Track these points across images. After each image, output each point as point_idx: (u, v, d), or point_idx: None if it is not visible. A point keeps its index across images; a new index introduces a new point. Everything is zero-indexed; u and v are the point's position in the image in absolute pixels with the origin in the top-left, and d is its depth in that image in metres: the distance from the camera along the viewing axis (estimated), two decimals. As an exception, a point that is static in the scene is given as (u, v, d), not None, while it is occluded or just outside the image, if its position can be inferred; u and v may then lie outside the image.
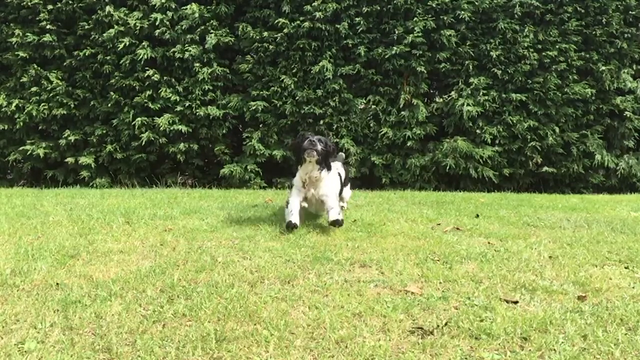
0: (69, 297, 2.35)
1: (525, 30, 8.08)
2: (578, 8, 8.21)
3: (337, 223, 3.85)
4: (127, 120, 8.01)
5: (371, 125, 8.06)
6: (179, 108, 8.00)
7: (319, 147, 3.97)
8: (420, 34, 7.87)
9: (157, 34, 8.05)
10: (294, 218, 3.91)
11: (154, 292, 2.45)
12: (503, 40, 8.10)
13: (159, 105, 8.05)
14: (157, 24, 8.04)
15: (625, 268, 2.98)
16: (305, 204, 4.24)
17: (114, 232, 3.80)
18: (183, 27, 8.05)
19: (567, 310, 2.24)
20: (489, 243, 3.59)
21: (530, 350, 1.88)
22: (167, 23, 8.08)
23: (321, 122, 8.01)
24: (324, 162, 4.08)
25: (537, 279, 2.69)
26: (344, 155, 5.17)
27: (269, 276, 2.71)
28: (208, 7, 8.14)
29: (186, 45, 8.04)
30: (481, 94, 7.98)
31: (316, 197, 4.12)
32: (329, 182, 4.20)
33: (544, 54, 8.07)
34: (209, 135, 8.15)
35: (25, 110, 8.11)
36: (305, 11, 7.94)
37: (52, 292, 2.43)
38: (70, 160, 8.15)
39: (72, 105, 8.20)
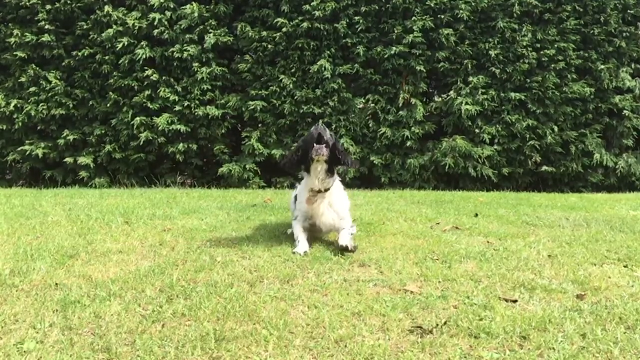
0: (68, 297, 2.34)
1: (524, 29, 8.09)
2: (576, 7, 8.22)
3: (346, 250, 3.22)
4: (126, 120, 8.01)
5: (370, 124, 8.06)
6: (177, 108, 7.99)
7: (329, 139, 3.39)
8: (419, 34, 7.87)
9: (155, 34, 8.05)
10: (304, 245, 3.37)
11: (153, 291, 2.45)
12: (502, 39, 8.11)
13: (157, 105, 8.05)
14: (155, 23, 8.03)
15: (624, 267, 2.98)
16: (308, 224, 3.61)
17: (112, 232, 3.80)
18: (182, 27, 8.05)
19: (566, 309, 2.24)
20: (488, 242, 3.59)
21: (529, 349, 1.88)
22: (166, 23, 8.08)
23: (320, 121, 8.01)
24: (333, 166, 3.48)
25: (536, 278, 2.69)
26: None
27: (268, 276, 2.71)
28: (207, 6, 8.14)
29: (185, 44, 8.04)
30: (480, 93, 7.98)
31: (323, 220, 3.52)
32: (340, 196, 3.62)
33: (542, 52, 8.08)
34: (208, 135, 8.14)
35: (24, 110, 8.10)
36: (304, 10, 7.93)
37: (51, 292, 2.43)
38: (69, 160, 8.14)
39: (71, 105, 8.19)
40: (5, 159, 8.33)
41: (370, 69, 8.07)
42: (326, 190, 3.50)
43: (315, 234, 3.62)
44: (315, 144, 3.34)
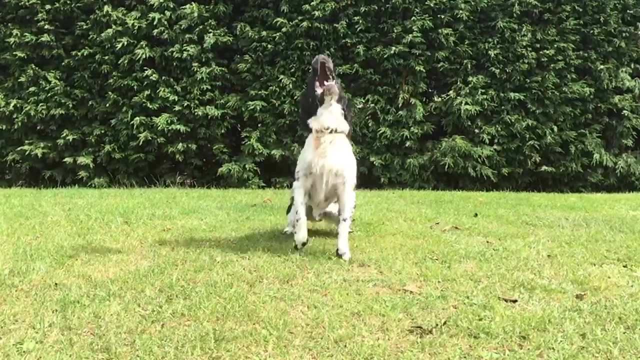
0: (68, 297, 2.34)
1: (524, 29, 8.09)
2: (576, 7, 8.22)
3: (342, 256, 3.02)
4: (126, 120, 8.01)
5: (370, 124, 8.06)
6: (177, 108, 7.99)
7: (334, 74, 3.07)
8: (418, 34, 7.87)
9: (155, 34, 8.05)
10: (303, 231, 3.13)
11: (153, 291, 2.45)
12: (501, 39, 8.11)
13: (157, 105, 8.04)
14: (155, 23, 8.03)
15: (624, 267, 2.98)
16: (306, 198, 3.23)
17: (112, 232, 3.80)
18: (181, 27, 8.04)
19: (566, 309, 2.24)
20: (487, 242, 3.59)
21: (529, 349, 1.88)
22: (166, 23, 8.07)
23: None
24: (345, 109, 3.12)
25: (535, 278, 2.69)
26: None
27: (267, 276, 2.71)
28: (206, 6, 8.14)
29: (184, 44, 8.03)
30: (479, 93, 7.98)
31: (328, 175, 3.08)
32: (349, 152, 3.19)
33: (542, 52, 8.08)
34: (208, 135, 8.14)
35: (24, 111, 8.10)
36: (304, 10, 7.93)
37: (50, 292, 2.43)
38: (68, 160, 8.14)
39: (71, 105, 8.19)
40: (5, 159, 8.33)
41: (370, 69, 8.07)
42: (337, 132, 3.11)
43: (316, 200, 3.26)
44: (325, 82, 3.01)
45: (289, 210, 3.76)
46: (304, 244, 3.14)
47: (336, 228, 3.29)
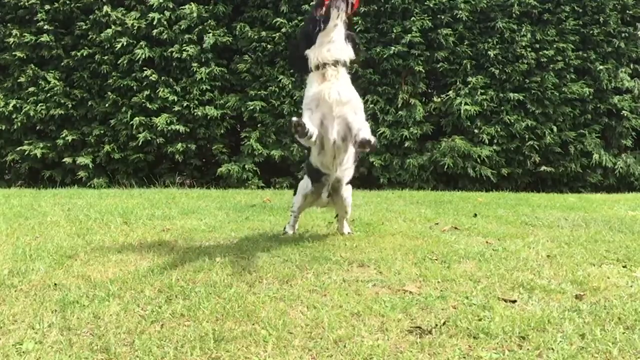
0: (67, 298, 2.34)
1: (523, 29, 8.09)
2: (575, 7, 8.22)
3: (369, 144, 2.92)
4: (125, 120, 8.01)
5: (369, 125, 8.04)
6: (176, 108, 7.99)
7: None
8: (418, 34, 7.88)
9: (154, 34, 8.04)
10: (309, 126, 2.87)
11: (152, 292, 2.45)
12: (501, 40, 8.11)
13: (156, 105, 8.04)
14: (154, 23, 8.03)
15: (623, 267, 2.98)
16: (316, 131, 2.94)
17: (112, 233, 3.80)
18: (181, 27, 8.04)
19: (565, 309, 2.24)
20: (487, 242, 3.59)
21: (528, 349, 1.89)
22: (165, 23, 8.07)
23: None
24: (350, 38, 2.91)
25: (535, 278, 2.69)
26: None
27: (267, 276, 2.71)
28: (206, 6, 8.14)
29: (184, 45, 8.03)
30: (479, 93, 7.98)
31: (337, 105, 2.92)
32: (352, 87, 3.07)
33: (541, 53, 8.08)
34: (207, 135, 8.14)
35: (23, 111, 8.09)
36: (304, 10, 7.93)
37: (50, 293, 2.43)
38: (67, 160, 8.14)
39: (70, 106, 8.18)
40: (4, 159, 8.32)
41: (369, 69, 8.06)
42: (344, 65, 2.98)
43: (329, 137, 3.11)
44: None
45: (295, 192, 3.74)
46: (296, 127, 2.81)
47: (339, 222, 3.69)
